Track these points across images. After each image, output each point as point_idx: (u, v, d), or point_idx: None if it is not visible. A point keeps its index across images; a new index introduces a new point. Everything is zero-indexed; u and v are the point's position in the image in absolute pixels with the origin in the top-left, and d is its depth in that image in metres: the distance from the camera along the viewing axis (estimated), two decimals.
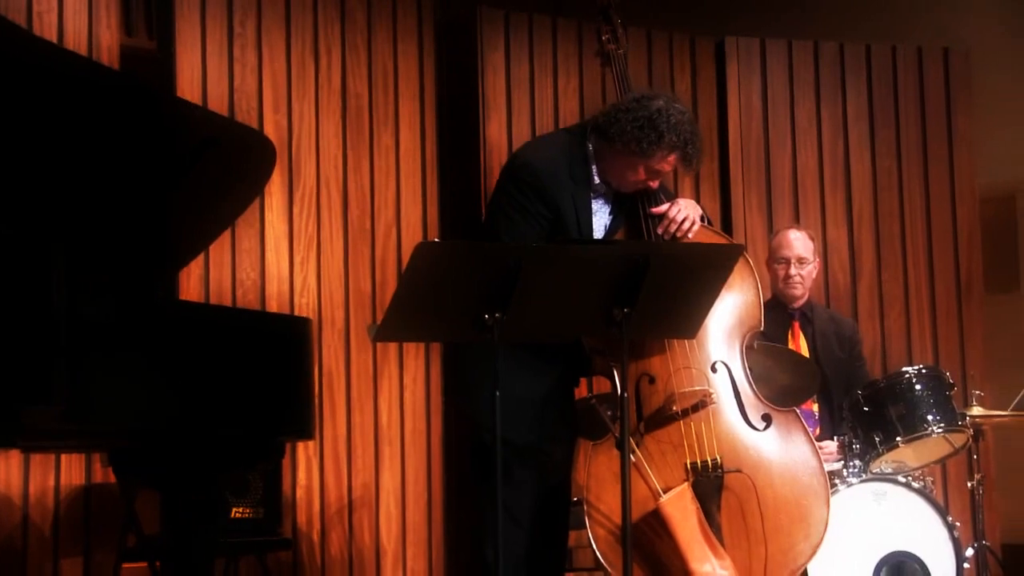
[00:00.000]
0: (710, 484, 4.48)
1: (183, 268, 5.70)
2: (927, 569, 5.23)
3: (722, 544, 4.40)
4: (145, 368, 3.72)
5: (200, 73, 6.27)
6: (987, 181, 7.92)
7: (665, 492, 4.41)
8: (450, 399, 4.92)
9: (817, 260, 6.04)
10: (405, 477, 6.60)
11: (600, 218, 4.68)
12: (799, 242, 5.96)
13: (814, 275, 6.03)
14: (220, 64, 6.32)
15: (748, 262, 4.69)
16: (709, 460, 4.49)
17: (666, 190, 4.88)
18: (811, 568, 4.94)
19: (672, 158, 4.56)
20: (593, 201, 4.66)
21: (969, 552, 5.63)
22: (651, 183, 4.62)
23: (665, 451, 4.52)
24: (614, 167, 4.61)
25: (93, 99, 3.81)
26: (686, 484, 4.44)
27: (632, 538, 4.09)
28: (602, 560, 4.51)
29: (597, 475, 4.52)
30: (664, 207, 4.67)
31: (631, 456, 4.25)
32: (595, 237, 4.63)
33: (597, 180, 4.64)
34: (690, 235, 4.65)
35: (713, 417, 4.55)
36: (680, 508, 4.37)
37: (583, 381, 5.10)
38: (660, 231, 4.64)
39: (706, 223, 4.77)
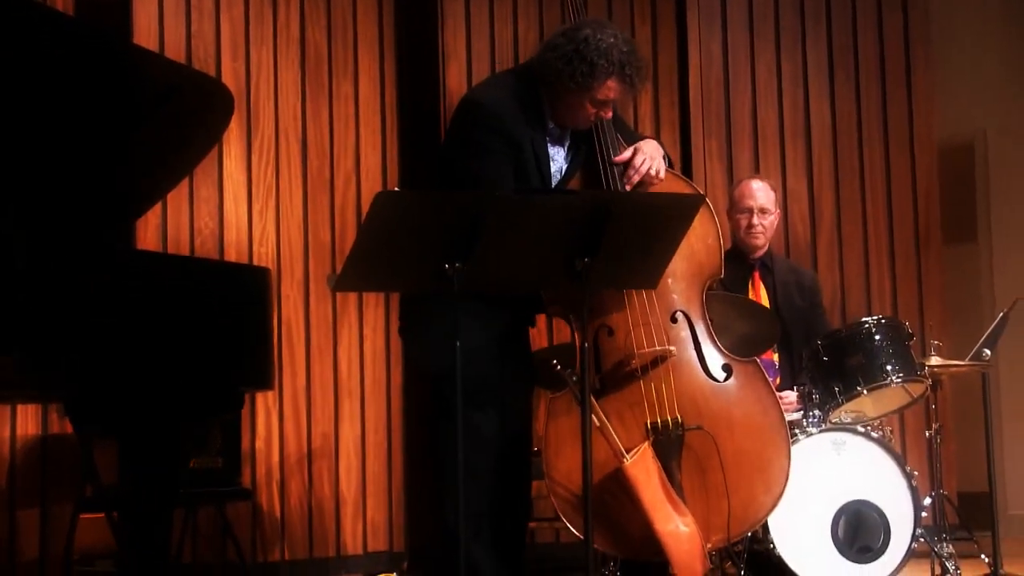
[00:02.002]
0: (670, 443, 4.46)
1: (140, 217, 5.67)
2: (885, 517, 5.25)
3: (683, 501, 4.40)
4: (101, 317, 3.68)
5: (157, 20, 6.21)
6: (946, 132, 7.95)
7: (626, 452, 4.39)
8: (409, 346, 4.86)
9: (778, 211, 6.04)
10: (365, 427, 6.60)
11: (556, 163, 4.62)
12: (761, 192, 5.95)
13: (775, 225, 6.03)
14: (177, 10, 6.26)
15: (709, 209, 4.62)
16: (669, 419, 4.48)
17: (626, 131, 4.83)
18: (771, 516, 4.97)
19: (613, 83, 4.43)
20: (550, 147, 4.59)
21: (927, 501, 5.68)
22: (603, 114, 4.52)
23: (624, 410, 4.49)
24: (562, 107, 4.51)
25: (46, 46, 3.75)
26: (647, 444, 4.41)
27: (593, 499, 4.06)
28: (563, 518, 4.50)
29: (556, 432, 4.49)
30: (626, 154, 4.60)
31: (594, 419, 4.24)
32: (552, 184, 4.58)
33: (551, 125, 4.58)
34: (656, 182, 4.59)
35: (673, 373, 4.52)
36: (643, 470, 4.35)
37: (543, 328, 5.08)
38: (625, 182, 4.56)
39: (667, 165, 4.70)
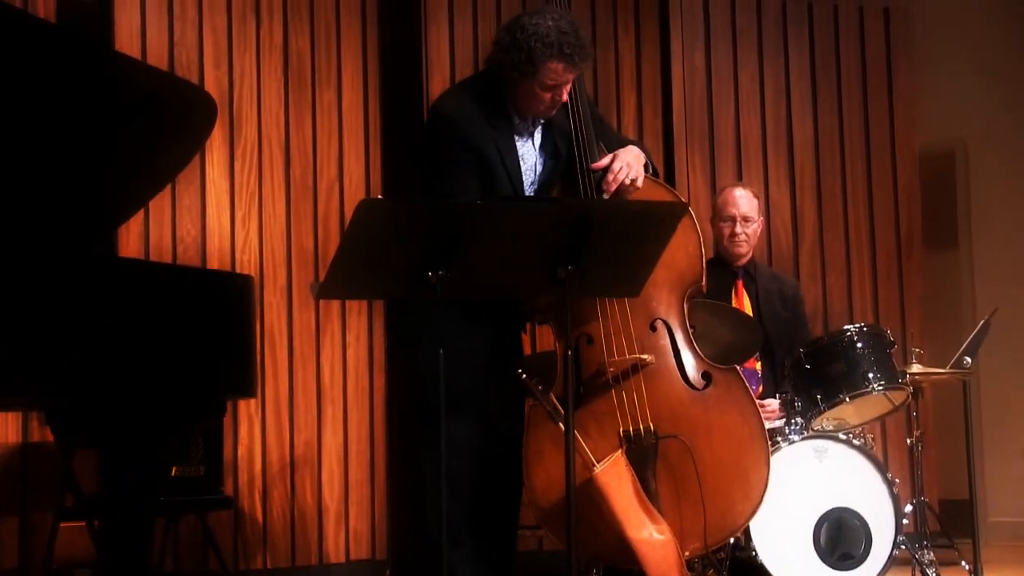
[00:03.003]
0: (644, 452, 4.47)
1: (122, 225, 5.66)
2: (867, 525, 5.27)
3: (659, 510, 4.40)
4: (82, 325, 3.68)
5: (139, 27, 6.20)
6: (927, 140, 7.97)
7: (599, 462, 4.40)
8: (394, 354, 4.86)
9: (761, 219, 6.05)
10: (348, 436, 6.58)
11: (528, 160, 4.60)
12: (744, 200, 5.96)
13: (758, 233, 6.04)
14: (160, 18, 6.25)
15: (691, 218, 4.62)
16: (642, 428, 4.48)
17: (609, 136, 4.82)
18: (753, 524, 4.98)
19: (555, 65, 4.40)
20: (519, 143, 4.58)
21: (908, 508, 5.70)
22: (558, 97, 4.49)
23: (599, 420, 4.50)
24: (520, 98, 4.51)
25: (29, 53, 3.75)
26: (619, 452, 4.41)
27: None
28: (543, 526, 4.51)
29: (536, 440, 4.50)
30: (604, 161, 4.59)
31: (561, 426, 4.24)
32: (524, 180, 4.57)
33: (517, 120, 4.58)
34: (633, 190, 4.58)
35: (647, 381, 4.52)
36: (615, 477, 4.36)
37: (527, 336, 5.07)
38: (604, 188, 4.55)
39: (650, 172, 4.70)
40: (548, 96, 4.47)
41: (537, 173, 4.63)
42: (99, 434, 4.08)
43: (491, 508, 4.51)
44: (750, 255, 5.99)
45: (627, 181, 4.56)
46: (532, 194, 4.61)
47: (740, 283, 5.94)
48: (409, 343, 4.50)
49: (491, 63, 4.52)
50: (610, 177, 4.56)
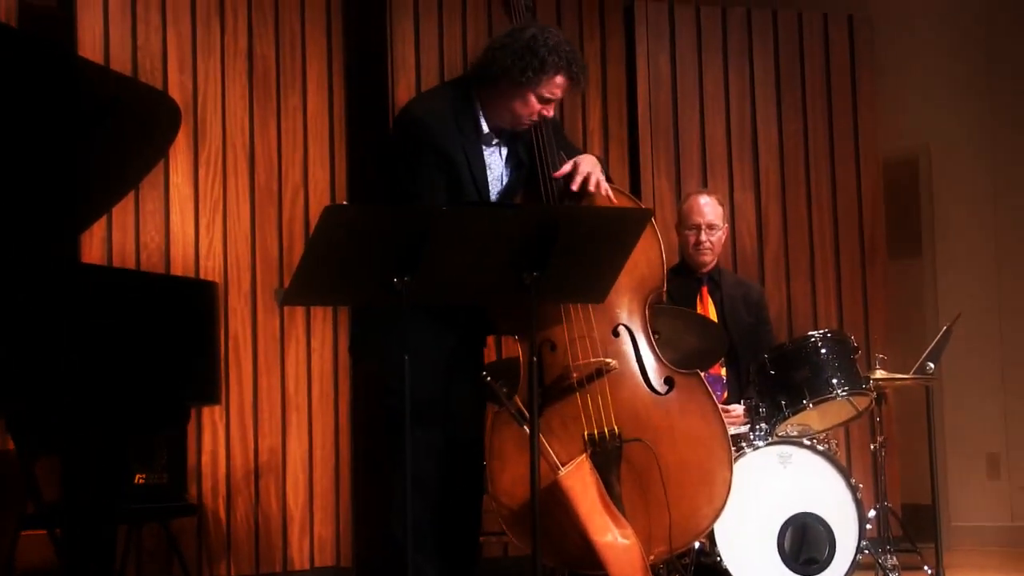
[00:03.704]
0: (609, 455, 4.48)
1: (85, 231, 5.63)
2: (831, 530, 5.29)
3: (623, 514, 4.41)
4: (45, 332, 3.66)
5: (102, 33, 6.17)
6: (891, 147, 8.02)
7: (564, 465, 4.40)
8: (358, 361, 4.86)
9: (726, 225, 6.06)
10: (312, 442, 6.56)
11: (494, 170, 4.63)
12: (709, 208, 5.97)
13: (723, 240, 6.05)
14: (123, 23, 6.22)
15: (652, 224, 4.66)
16: (607, 431, 4.49)
17: (568, 147, 4.85)
18: (718, 529, 5.00)
19: (560, 80, 4.50)
20: (485, 152, 4.61)
21: (871, 513, 5.72)
22: (545, 112, 4.55)
23: (564, 423, 4.52)
24: (504, 106, 4.54)
25: None
26: (584, 456, 4.43)
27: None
28: (508, 531, 4.51)
29: (500, 445, 4.51)
30: (566, 168, 4.61)
31: (525, 429, 4.24)
32: (490, 190, 4.60)
33: (487, 129, 4.60)
34: (603, 193, 4.60)
35: (611, 386, 4.54)
36: (579, 480, 4.37)
37: (491, 342, 5.08)
38: (573, 187, 4.56)
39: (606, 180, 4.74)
40: (539, 108, 4.53)
41: (503, 183, 4.65)
42: (60, 441, 4.05)
43: (456, 511, 4.52)
44: (715, 262, 6.01)
45: (591, 180, 4.58)
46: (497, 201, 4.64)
47: (705, 289, 5.95)
48: (374, 348, 4.50)
49: (488, 66, 4.53)
50: (576, 174, 4.58)
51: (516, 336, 4.61)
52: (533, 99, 4.50)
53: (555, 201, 4.58)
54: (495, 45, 4.54)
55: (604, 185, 4.62)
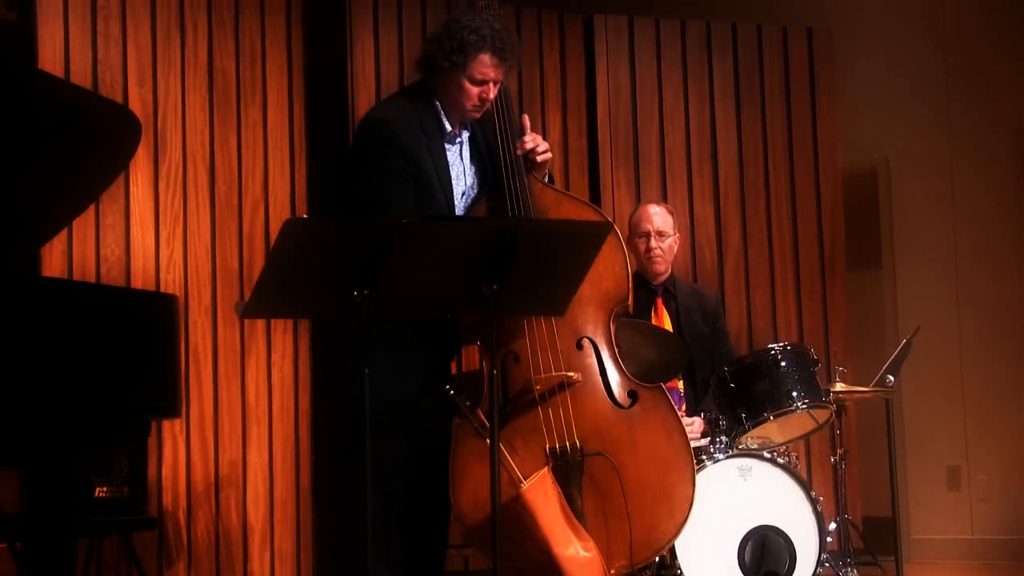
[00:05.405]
0: (571, 468, 4.49)
1: (45, 244, 5.60)
2: (791, 542, 5.30)
3: (585, 527, 4.41)
4: (2, 344, 3.63)
5: (62, 45, 6.14)
6: (850, 158, 8.06)
7: (526, 478, 4.40)
8: (339, 372, 4.86)
9: (677, 234, 6.08)
10: (273, 455, 6.55)
11: (456, 169, 4.68)
12: (658, 216, 6.00)
13: (675, 249, 6.07)
14: (83, 36, 6.20)
15: (617, 236, 4.68)
16: (568, 444, 4.49)
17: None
18: (678, 542, 5.00)
19: (486, 58, 4.54)
20: (448, 152, 4.64)
21: (832, 526, 5.74)
22: (485, 95, 4.60)
23: (525, 437, 4.52)
24: (449, 98, 4.61)
25: None
26: (546, 469, 4.44)
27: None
28: (469, 543, 4.51)
29: (463, 457, 4.51)
30: (528, 142, 4.74)
31: (487, 442, 4.24)
32: (455, 191, 4.62)
33: (449, 127, 4.63)
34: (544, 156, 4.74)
35: (573, 399, 4.55)
36: (541, 494, 4.37)
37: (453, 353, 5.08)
38: (519, 152, 4.68)
39: (548, 180, 4.83)
40: (476, 92, 4.56)
41: (467, 184, 4.69)
42: (19, 454, 4.02)
43: (421, 524, 4.53)
44: (669, 272, 6.03)
45: (539, 148, 4.70)
46: (462, 203, 4.67)
47: (660, 300, 5.97)
48: (337, 360, 4.51)
49: (423, 59, 4.61)
50: (527, 138, 4.70)
51: (479, 343, 4.61)
52: (467, 84, 4.55)
53: (522, 212, 4.60)
54: (427, 40, 4.65)
55: (548, 154, 4.78)
